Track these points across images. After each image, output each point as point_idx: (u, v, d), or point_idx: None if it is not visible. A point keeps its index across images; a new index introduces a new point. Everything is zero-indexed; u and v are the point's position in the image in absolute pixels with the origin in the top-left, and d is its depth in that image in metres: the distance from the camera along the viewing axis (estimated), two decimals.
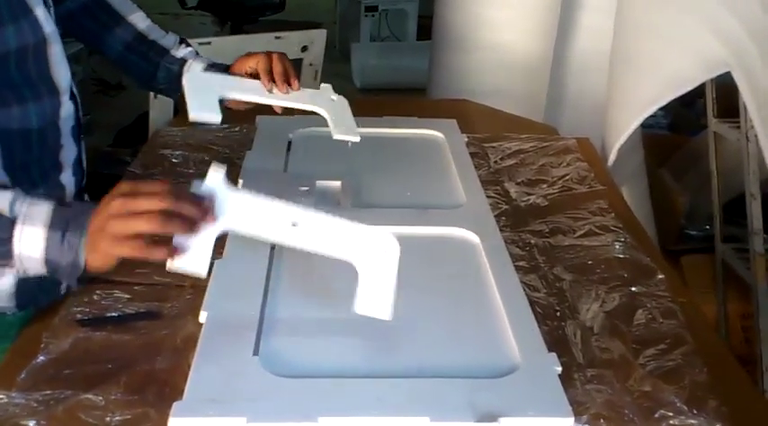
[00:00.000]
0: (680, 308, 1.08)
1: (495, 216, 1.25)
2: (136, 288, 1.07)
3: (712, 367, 0.96)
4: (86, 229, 0.83)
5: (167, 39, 1.33)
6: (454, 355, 0.91)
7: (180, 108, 1.62)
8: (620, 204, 1.41)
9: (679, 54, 1.79)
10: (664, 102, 1.88)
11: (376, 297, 0.87)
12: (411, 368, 0.88)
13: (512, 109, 1.91)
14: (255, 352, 0.88)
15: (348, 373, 0.86)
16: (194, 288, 1.06)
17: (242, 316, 0.93)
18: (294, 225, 0.87)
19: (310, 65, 1.80)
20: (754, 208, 1.96)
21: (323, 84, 1.34)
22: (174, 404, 0.79)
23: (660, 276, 1.15)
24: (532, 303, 1.02)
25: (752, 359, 1.93)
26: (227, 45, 1.54)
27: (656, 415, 0.87)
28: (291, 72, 1.28)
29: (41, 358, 0.92)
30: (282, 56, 1.29)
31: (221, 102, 1.23)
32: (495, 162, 1.53)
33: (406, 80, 4.01)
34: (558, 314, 1.06)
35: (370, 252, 0.89)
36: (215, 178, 0.86)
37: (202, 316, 0.94)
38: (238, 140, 1.54)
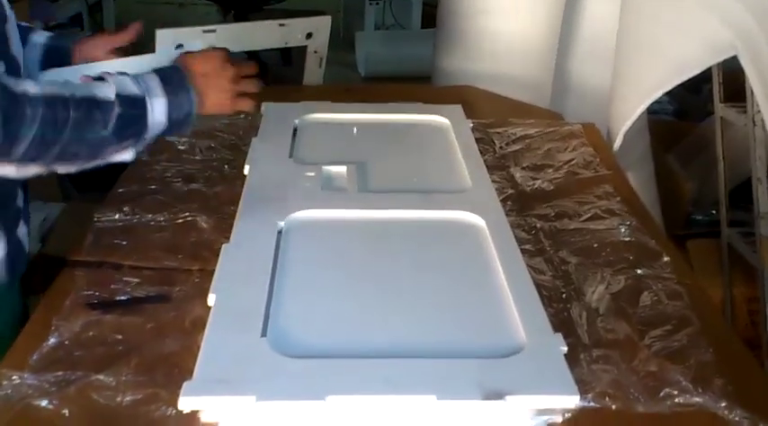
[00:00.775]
0: (685, 290, 1.08)
1: (501, 200, 1.25)
2: (145, 272, 1.08)
3: (718, 347, 0.96)
4: (193, 86, 1.01)
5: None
6: (461, 336, 0.91)
7: None
8: (626, 189, 1.41)
9: (685, 38, 1.78)
10: (670, 87, 1.87)
11: None
12: (418, 348, 0.88)
13: (517, 96, 1.90)
14: (264, 333, 0.89)
15: (355, 353, 0.87)
16: (202, 271, 1.07)
17: (250, 298, 0.94)
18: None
19: (315, 52, 1.78)
20: (761, 193, 1.96)
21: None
22: (185, 384, 0.80)
23: (665, 259, 1.15)
24: (538, 285, 1.03)
25: (758, 343, 1.93)
26: (231, 32, 1.53)
27: (662, 394, 0.87)
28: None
29: (53, 340, 0.93)
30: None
31: None
32: (501, 147, 1.53)
33: (410, 68, 3.99)
34: (564, 296, 1.06)
35: None
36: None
37: (211, 299, 0.95)
38: (244, 127, 1.55)
